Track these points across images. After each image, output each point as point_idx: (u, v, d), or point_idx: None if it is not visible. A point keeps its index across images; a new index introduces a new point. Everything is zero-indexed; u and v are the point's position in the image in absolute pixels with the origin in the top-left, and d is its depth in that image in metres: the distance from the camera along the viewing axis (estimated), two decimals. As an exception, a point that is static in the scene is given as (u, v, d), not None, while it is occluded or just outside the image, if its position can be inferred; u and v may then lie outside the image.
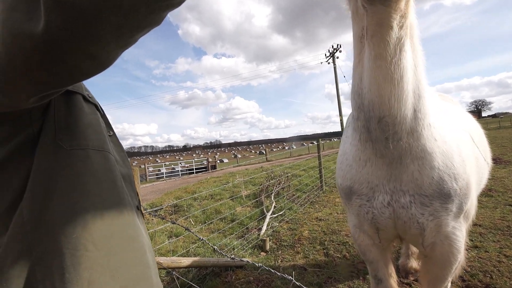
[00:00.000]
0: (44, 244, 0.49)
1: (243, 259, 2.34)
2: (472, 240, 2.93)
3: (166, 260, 2.24)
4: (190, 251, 3.38)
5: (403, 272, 2.46)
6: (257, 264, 1.58)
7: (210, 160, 23.07)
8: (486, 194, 4.41)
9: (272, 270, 1.46)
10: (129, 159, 0.77)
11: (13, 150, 0.50)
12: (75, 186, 0.53)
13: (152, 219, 4.29)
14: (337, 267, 2.75)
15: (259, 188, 6.19)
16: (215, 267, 2.78)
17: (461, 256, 1.24)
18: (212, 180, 9.14)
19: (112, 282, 0.52)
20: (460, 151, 1.20)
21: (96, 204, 0.54)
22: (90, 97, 0.67)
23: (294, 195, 5.74)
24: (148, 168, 19.27)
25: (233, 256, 1.88)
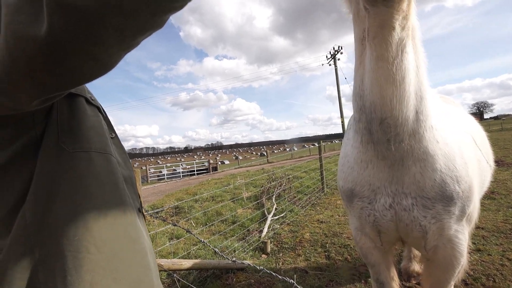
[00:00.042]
0: (46, 246, 0.49)
1: (244, 261, 2.33)
2: (474, 243, 2.91)
3: (167, 262, 2.24)
4: (191, 253, 3.38)
5: (405, 276, 2.45)
6: (258, 267, 1.58)
7: (211, 161, 23.08)
8: (489, 196, 4.38)
9: (274, 274, 1.45)
10: (130, 160, 0.78)
11: (16, 153, 0.50)
12: (78, 188, 0.53)
13: (153, 221, 4.28)
14: (338, 270, 2.73)
15: (260, 190, 6.17)
16: (216, 269, 2.77)
17: (464, 260, 1.23)
18: (213, 181, 9.13)
19: (114, 284, 0.52)
20: (462, 154, 1.19)
21: (99, 207, 0.55)
22: (92, 100, 0.67)
23: (295, 197, 5.73)
24: (149, 170, 19.30)
25: (234, 258, 1.88)
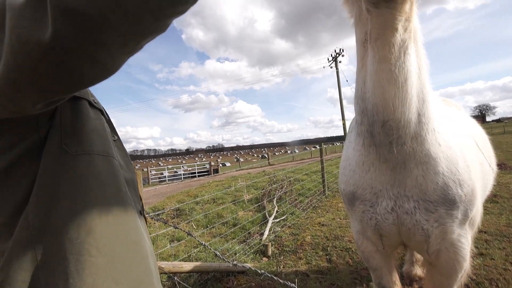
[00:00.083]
0: (48, 248, 0.49)
1: (245, 264, 2.32)
2: (477, 247, 2.88)
3: (167, 265, 2.23)
4: (191, 256, 3.37)
5: (408, 280, 2.42)
6: (259, 271, 1.57)
7: (212, 163, 23.08)
8: (492, 200, 4.35)
9: (275, 277, 1.44)
10: (132, 162, 0.78)
11: (20, 155, 0.50)
12: (80, 190, 0.53)
13: (154, 223, 4.28)
14: (340, 274, 2.72)
15: (261, 192, 6.16)
16: (217, 272, 2.76)
17: (466, 264, 1.22)
18: (214, 184, 9.13)
19: (114, 286, 0.52)
20: (464, 157, 1.19)
21: (101, 209, 0.55)
22: (95, 103, 0.67)
23: (296, 199, 5.71)
24: (150, 172, 19.33)
25: (235, 261, 1.87)
